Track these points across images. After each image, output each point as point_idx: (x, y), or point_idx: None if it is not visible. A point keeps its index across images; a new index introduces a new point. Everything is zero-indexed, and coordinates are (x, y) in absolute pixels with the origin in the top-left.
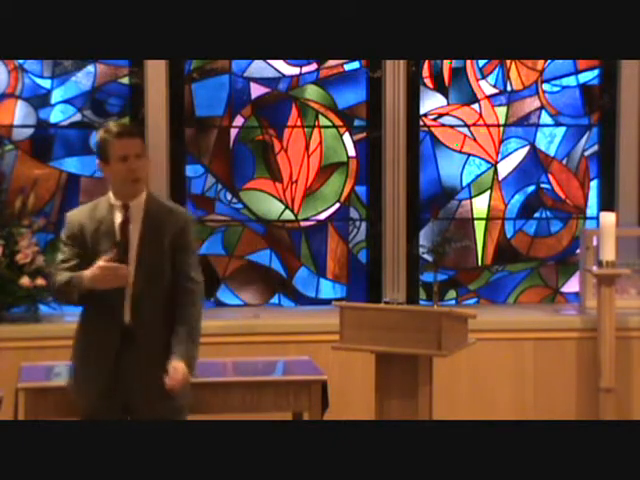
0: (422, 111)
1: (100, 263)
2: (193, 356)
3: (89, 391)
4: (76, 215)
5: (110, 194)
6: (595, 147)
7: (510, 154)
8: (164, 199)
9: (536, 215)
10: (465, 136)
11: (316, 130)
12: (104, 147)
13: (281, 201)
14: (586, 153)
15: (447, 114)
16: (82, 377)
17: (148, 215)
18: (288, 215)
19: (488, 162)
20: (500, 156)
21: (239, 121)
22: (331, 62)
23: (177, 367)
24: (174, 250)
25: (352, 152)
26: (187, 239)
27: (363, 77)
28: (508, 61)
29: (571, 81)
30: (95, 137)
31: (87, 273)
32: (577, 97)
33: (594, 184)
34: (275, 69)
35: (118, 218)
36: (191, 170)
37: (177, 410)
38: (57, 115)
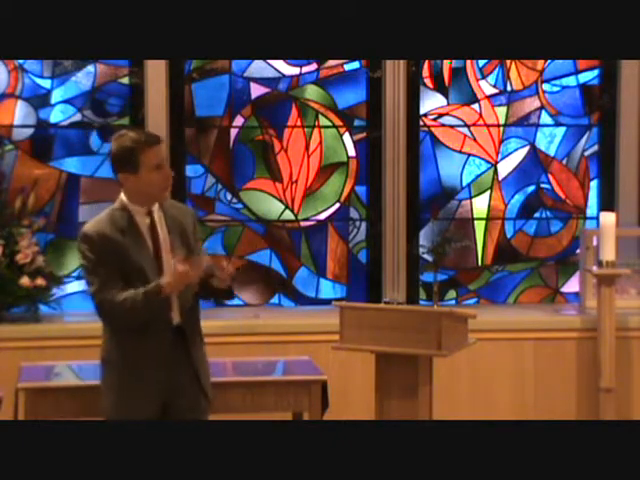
0: (422, 111)
1: (177, 270)
2: None
3: (138, 394)
4: (96, 228)
5: (124, 201)
6: (595, 147)
7: (510, 154)
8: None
9: (536, 215)
10: (465, 136)
11: (316, 130)
12: (132, 156)
13: (281, 201)
14: (586, 153)
15: (447, 114)
16: (130, 380)
17: (168, 216)
18: (288, 215)
19: (488, 162)
20: (500, 156)
21: (239, 121)
22: (331, 62)
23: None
24: (195, 244)
25: (352, 152)
26: (200, 231)
27: (363, 77)
28: (508, 61)
29: (571, 81)
30: (112, 146)
31: (164, 283)
32: (577, 97)
33: (594, 184)
34: (275, 69)
35: (143, 224)
36: (191, 170)
37: (207, 408)
38: (57, 115)
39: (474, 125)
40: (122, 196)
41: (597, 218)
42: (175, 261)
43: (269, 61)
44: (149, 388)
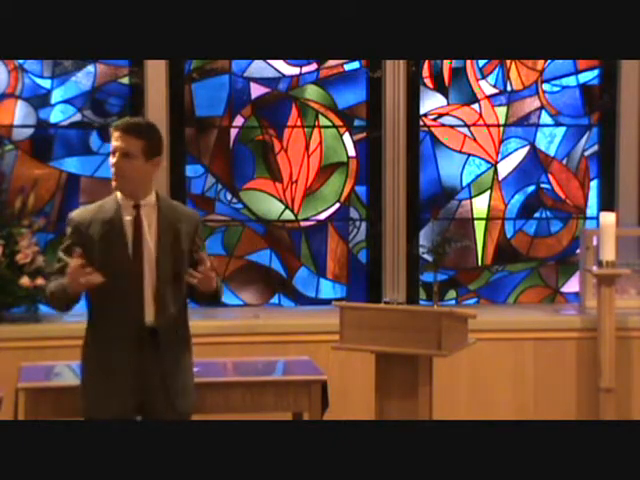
0: (422, 111)
1: (71, 265)
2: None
3: (108, 391)
4: (81, 215)
5: (118, 193)
6: (595, 147)
7: (510, 154)
8: (171, 200)
9: (536, 215)
10: (465, 136)
11: (316, 130)
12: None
13: (281, 201)
14: (586, 153)
15: (447, 114)
16: (101, 377)
17: (162, 216)
18: (288, 215)
19: (488, 162)
20: (500, 156)
21: (239, 121)
22: (331, 62)
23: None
24: (191, 251)
25: (352, 152)
26: (202, 239)
27: (363, 77)
28: (508, 61)
29: (571, 81)
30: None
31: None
32: (577, 97)
33: (594, 184)
34: (275, 69)
35: (128, 218)
36: (191, 170)
37: (189, 410)
38: (57, 115)
39: (474, 125)
40: None
41: (597, 218)
42: (74, 257)
43: (269, 61)
44: (120, 388)
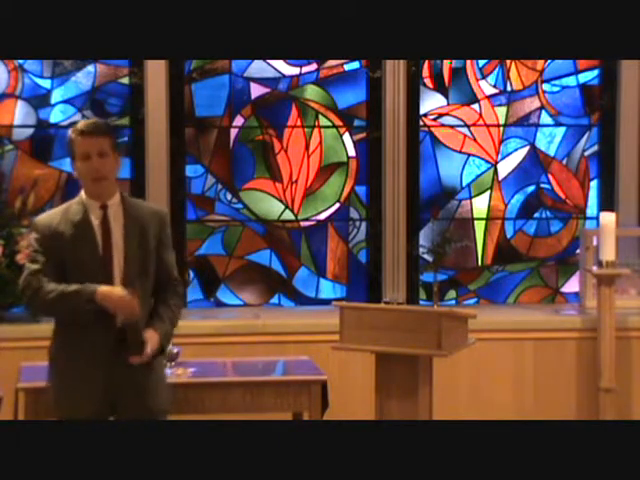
0: (422, 111)
1: (122, 292)
2: (170, 334)
3: (81, 391)
4: (46, 219)
5: (83, 195)
6: (595, 147)
7: (510, 154)
8: (135, 198)
9: (536, 215)
10: (465, 136)
11: (316, 130)
12: (71, 146)
13: (281, 201)
14: (586, 153)
15: (447, 114)
16: (73, 377)
17: (128, 215)
18: (288, 215)
19: (488, 162)
20: (500, 156)
21: (239, 121)
22: (331, 62)
23: (152, 337)
24: (157, 248)
25: (352, 152)
26: (168, 235)
27: (363, 77)
28: (508, 61)
29: (571, 81)
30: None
31: (102, 290)
32: (577, 97)
33: (594, 184)
34: (275, 69)
35: (95, 219)
36: (191, 170)
37: (163, 408)
38: (57, 115)
39: (474, 125)
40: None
41: (597, 218)
42: (128, 290)
43: (269, 61)
44: (90, 387)
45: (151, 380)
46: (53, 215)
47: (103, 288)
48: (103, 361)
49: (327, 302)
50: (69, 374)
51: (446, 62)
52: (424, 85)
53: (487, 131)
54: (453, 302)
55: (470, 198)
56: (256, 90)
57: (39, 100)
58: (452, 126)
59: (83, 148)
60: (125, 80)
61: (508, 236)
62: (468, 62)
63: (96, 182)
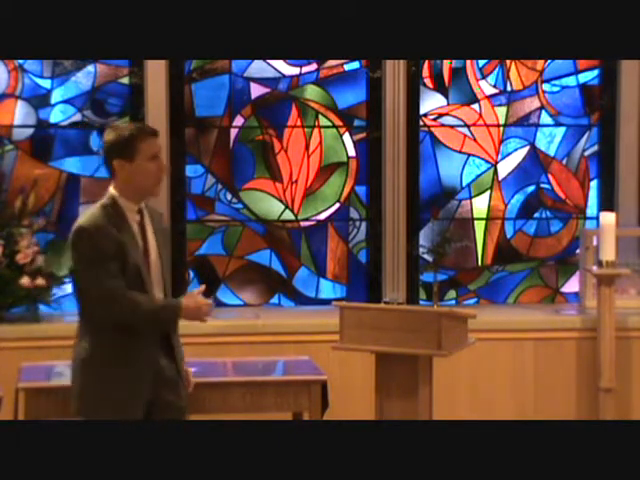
0: (422, 111)
1: (200, 298)
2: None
3: (132, 393)
4: (94, 221)
5: (115, 196)
6: (595, 147)
7: (510, 154)
8: None
9: (536, 215)
10: (465, 136)
11: (316, 130)
12: (131, 143)
13: (281, 201)
14: (586, 153)
15: (447, 114)
16: (121, 377)
17: (151, 218)
18: (288, 215)
19: (488, 162)
20: (500, 156)
21: (239, 121)
22: (331, 62)
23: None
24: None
25: (352, 152)
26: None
27: (363, 77)
28: (508, 61)
29: (571, 81)
30: (107, 135)
31: (184, 307)
32: (577, 97)
33: (594, 184)
34: (275, 69)
35: (134, 222)
36: (191, 170)
37: (186, 406)
38: (57, 115)
39: (474, 125)
40: (112, 190)
41: (597, 218)
42: (198, 294)
43: (269, 61)
44: (136, 387)
45: (181, 380)
46: (97, 218)
47: (183, 303)
48: (150, 361)
49: (327, 302)
50: (112, 376)
51: (446, 62)
52: (424, 85)
53: (487, 131)
54: (453, 302)
55: (470, 198)
56: (256, 90)
57: (39, 100)
58: (452, 126)
59: (155, 148)
60: (125, 80)
61: (508, 236)
62: (468, 62)
63: (160, 183)
